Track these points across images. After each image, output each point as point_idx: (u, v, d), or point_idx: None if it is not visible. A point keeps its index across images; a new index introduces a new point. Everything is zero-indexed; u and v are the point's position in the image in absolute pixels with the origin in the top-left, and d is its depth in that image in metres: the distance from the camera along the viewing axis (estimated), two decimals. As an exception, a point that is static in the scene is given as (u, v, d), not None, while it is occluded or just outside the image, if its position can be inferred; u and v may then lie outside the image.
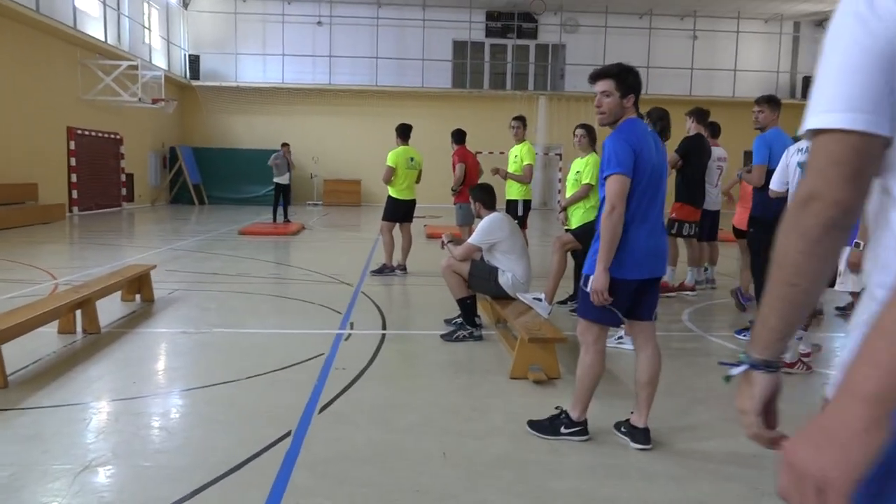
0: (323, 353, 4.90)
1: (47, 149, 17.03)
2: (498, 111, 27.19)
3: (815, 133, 1.07)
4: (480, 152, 25.37)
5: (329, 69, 27.04)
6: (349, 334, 5.52)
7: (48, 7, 16.12)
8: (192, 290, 7.38)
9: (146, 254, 10.56)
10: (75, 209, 18.09)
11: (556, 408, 3.50)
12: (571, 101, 27.72)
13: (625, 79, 3.26)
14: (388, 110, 27.18)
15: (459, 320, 5.60)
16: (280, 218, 16.33)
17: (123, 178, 21.09)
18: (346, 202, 26.55)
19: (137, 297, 6.66)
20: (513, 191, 8.25)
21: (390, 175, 8.90)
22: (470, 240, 5.37)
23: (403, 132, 9.07)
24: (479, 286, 5.43)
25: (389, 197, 9.06)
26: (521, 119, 8.49)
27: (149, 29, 23.44)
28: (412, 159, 8.92)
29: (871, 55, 1.01)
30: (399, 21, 27.20)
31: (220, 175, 25.63)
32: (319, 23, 27.02)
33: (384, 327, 5.83)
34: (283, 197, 16.29)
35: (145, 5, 23.14)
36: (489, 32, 27.99)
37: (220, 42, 26.72)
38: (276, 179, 16.15)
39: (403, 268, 8.94)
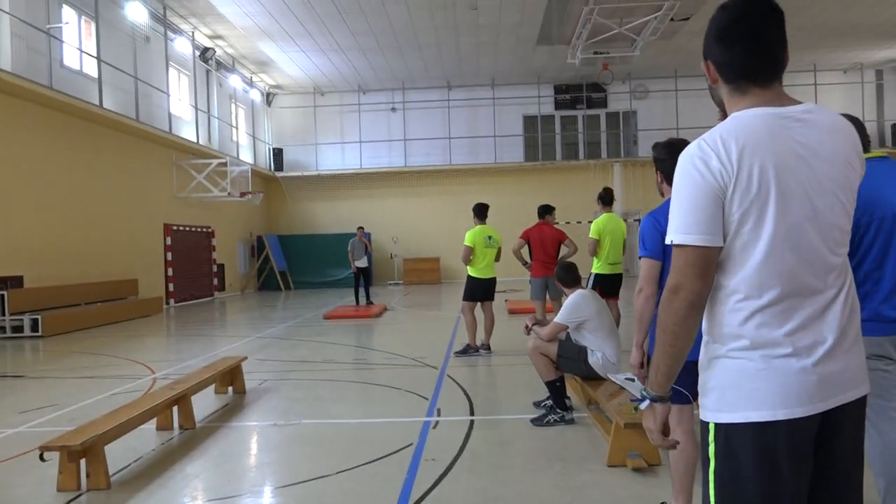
0: (412, 444, 4.82)
1: (146, 245, 18.11)
2: (573, 181, 27.27)
3: (678, 246, 1.66)
4: (557, 223, 25.40)
5: (404, 152, 27.93)
6: (437, 422, 5.43)
7: (146, 114, 17.48)
8: (280, 380, 7.50)
9: (237, 343, 10.88)
10: (171, 301, 19.00)
11: (662, 504, 3.30)
12: (647, 165, 27.39)
13: (659, 162, 3.41)
14: (463, 188, 27.71)
15: (549, 403, 5.43)
16: (362, 300, 16.63)
17: (215, 268, 22.10)
18: (426, 280, 26.84)
19: (230, 389, 6.82)
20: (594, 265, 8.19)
21: (468, 255, 8.93)
22: (556, 319, 5.26)
23: (480, 211, 9.14)
24: (568, 367, 5.27)
25: (469, 276, 9.07)
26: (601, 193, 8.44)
27: (236, 127, 25.00)
28: (490, 238, 8.94)
29: (709, 197, 1.64)
30: (469, 101, 28.01)
31: (305, 260, 26.49)
32: (393, 109, 28.13)
33: (472, 412, 5.71)
34: (362, 279, 16.61)
35: (233, 106, 24.76)
36: (558, 105, 28.38)
37: (301, 134, 28.15)
38: (352, 263, 16.51)
39: (487, 347, 8.84)
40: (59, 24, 14.70)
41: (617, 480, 4.02)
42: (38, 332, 12.35)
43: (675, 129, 27.18)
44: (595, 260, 8.27)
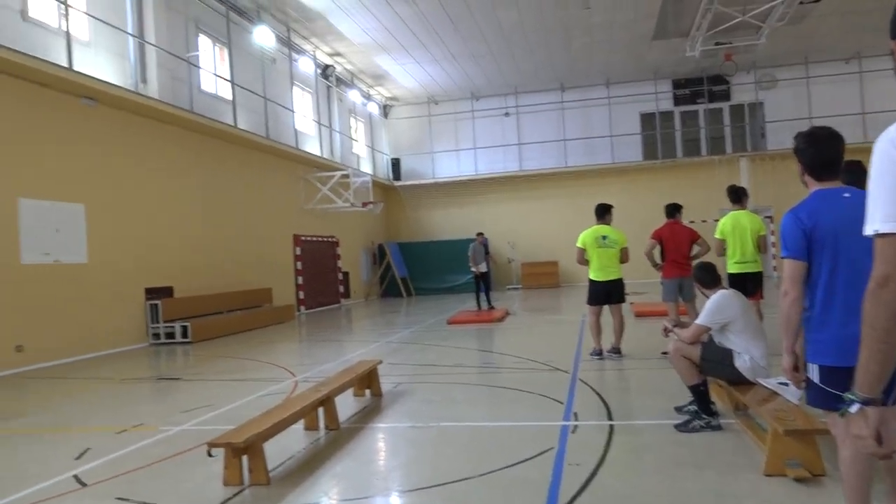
0: (552, 448, 4.79)
1: (278, 256, 19.14)
2: (695, 178, 26.20)
3: (884, 235, 1.58)
4: (692, 222, 24.45)
5: (519, 156, 27.90)
6: (575, 426, 5.37)
7: (275, 132, 18.49)
8: (414, 383, 7.68)
9: (368, 348, 11.26)
10: (302, 308, 19.94)
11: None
12: (777, 159, 25.92)
13: (799, 153, 3.07)
14: (580, 189, 27.26)
15: (692, 408, 5.23)
16: (484, 305, 16.72)
17: (340, 276, 22.98)
18: (544, 284, 26.63)
19: (367, 391, 7.05)
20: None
21: (581, 256, 8.80)
22: (698, 320, 5.06)
23: (599, 211, 8.97)
24: (712, 371, 5.06)
25: (588, 279, 8.91)
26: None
27: (356, 140, 25.93)
28: (604, 237, 8.71)
29: None
30: (583, 102, 27.58)
31: (424, 267, 27.03)
32: (507, 114, 28.17)
33: (610, 417, 5.60)
34: (483, 284, 16.72)
35: (352, 120, 25.71)
36: (677, 100, 27.38)
37: (417, 143, 28.78)
38: (473, 268, 16.62)
39: (618, 351, 8.65)
40: (196, 53, 15.84)
41: (777, 491, 3.80)
42: (187, 337, 13.33)
43: (808, 119, 25.49)
44: (726, 260, 7.90)
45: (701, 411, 5.02)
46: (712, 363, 5.01)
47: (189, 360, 11.39)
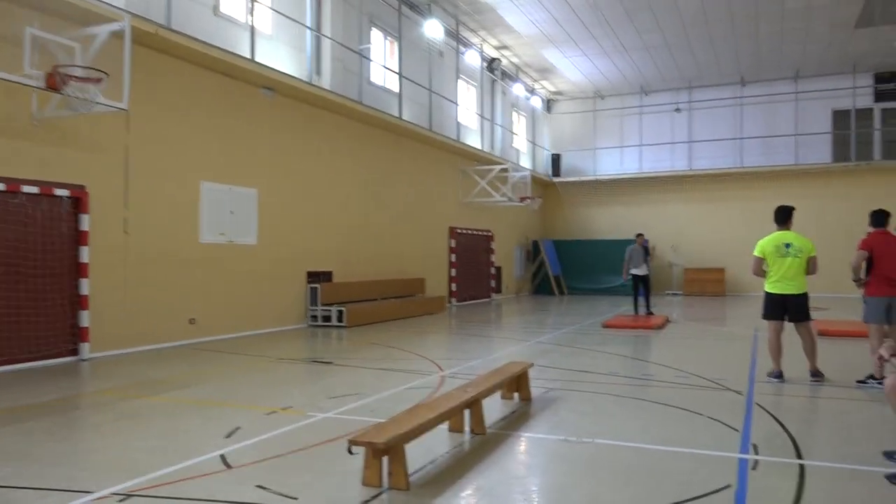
0: (729, 486, 4.11)
1: (433, 247, 19.27)
2: (895, 184, 23.19)
3: None
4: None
5: (689, 154, 26.21)
6: (755, 461, 4.62)
7: (438, 124, 18.57)
8: (565, 390, 7.18)
9: (517, 347, 10.87)
10: (453, 300, 19.96)
11: None
12: None
13: None
14: (757, 192, 25.12)
15: (909, 456, 4.33)
16: (641, 310, 15.75)
17: (493, 271, 22.78)
18: (708, 292, 24.83)
19: (516, 395, 6.66)
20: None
21: (758, 266, 7.77)
22: (926, 353, 4.15)
23: (780, 215, 7.89)
24: (941, 415, 4.13)
25: (765, 291, 7.87)
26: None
27: (517, 134, 25.59)
28: (788, 245, 7.63)
29: None
30: (766, 97, 25.33)
31: (579, 266, 26.19)
32: (678, 109, 26.54)
33: (798, 455, 4.78)
34: (642, 288, 15.74)
35: (514, 114, 25.38)
36: (879, 96, 24.36)
37: (580, 139, 27.89)
38: (632, 271, 15.68)
39: (817, 374, 7.59)
40: (368, 45, 16.21)
41: None
42: (342, 322, 13.67)
43: None
44: None
45: (923, 463, 4.11)
46: (943, 406, 4.08)
47: (342, 344, 11.61)
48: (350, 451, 4.17)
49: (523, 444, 5.17)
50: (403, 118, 16.64)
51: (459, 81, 20.67)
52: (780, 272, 7.58)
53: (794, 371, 7.81)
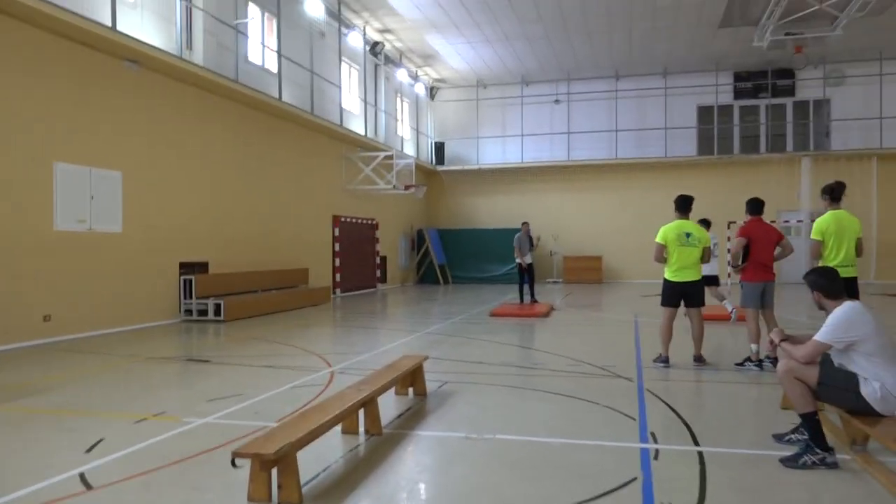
0: (635, 478, 4.03)
1: (316, 236, 18.59)
2: (752, 176, 24.98)
3: None
4: (734, 222, 23.26)
5: (567, 145, 26.91)
6: (656, 450, 4.59)
7: (319, 108, 17.87)
8: (460, 383, 6.97)
9: (407, 338, 10.59)
10: (338, 291, 19.39)
11: None
12: (841, 160, 24.56)
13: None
14: (630, 183, 26.26)
15: (798, 438, 4.44)
16: (527, 298, 15.93)
17: (378, 260, 22.38)
18: (586, 279, 25.71)
19: (410, 390, 6.37)
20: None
21: (660, 253, 7.92)
22: (819, 336, 4.23)
23: (681, 204, 8.07)
24: (830, 397, 4.24)
25: (664, 279, 8.05)
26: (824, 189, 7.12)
27: (400, 121, 25.23)
28: (688, 235, 7.85)
29: None
30: (638, 91, 26.45)
31: (463, 255, 26.31)
32: (557, 101, 27.18)
33: (696, 442, 4.80)
34: (527, 276, 15.89)
35: (398, 100, 25.01)
36: (738, 94, 26.09)
37: (463, 128, 27.95)
38: (518, 259, 15.80)
39: (701, 359, 7.84)
40: (245, 20, 15.26)
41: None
42: (220, 316, 12.83)
43: (879, 119, 24.05)
44: (820, 264, 7.01)
45: (813, 444, 4.20)
46: (832, 388, 4.18)
47: (220, 340, 10.86)
48: (234, 464, 3.71)
49: (423, 444, 4.89)
50: (284, 100, 15.85)
51: (342, 64, 20.01)
52: (681, 260, 7.75)
53: (677, 356, 8.02)
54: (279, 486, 3.69)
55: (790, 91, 25.57)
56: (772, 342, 4.57)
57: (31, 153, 9.96)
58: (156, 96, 12.44)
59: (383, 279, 23.04)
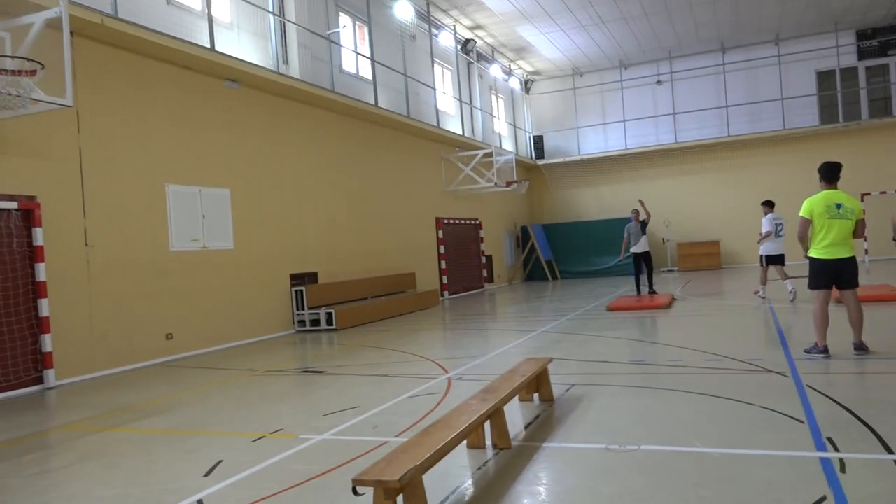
0: (825, 497, 3.35)
1: (421, 239, 18.43)
2: (885, 142, 22.76)
3: None
4: (868, 193, 21.17)
5: (674, 127, 25.54)
6: (840, 461, 3.86)
7: (415, 111, 17.69)
8: (589, 385, 6.40)
9: (522, 339, 10.08)
10: (445, 293, 19.15)
11: None
12: None
13: None
14: (745, 161, 24.61)
15: None
16: (644, 289, 15.04)
17: (483, 260, 21.99)
18: (704, 266, 24.25)
19: (535, 396, 5.87)
20: None
21: (805, 228, 6.99)
22: None
23: (827, 173, 7.08)
24: None
25: (810, 258, 7.11)
26: None
27: (497, 117, 24.77)
28: (839, 206, 6.87)
29: None
30: (748, 63, 24.72)
31: (570, 249, 25.51)
32: (659, 82, 25.87)
33: (888, 449, 4.03)
34: (644, 266, 14.97)
35: (493, 97, 24.56)
36: (862, 54, 23.83)
37: (561, 119, 27.15)
38: (632, 249, 14.92)
39: (861, 347, 6.89)
40: (338, 30, 15.29)
41: None
42: (331, 325, 12.82)
43: None
44: None
45: None
46: None
47: (334, 349, 10.77)
48: (356, 492, 3.35)
49: (558, 458, 4.37)
50: (380, 106, 15.76)
51: (435, 66, 19.78)
52: (832, 235, 6.82)
53: (833, 345, 7.07)
54: (406, 515, 3.30)
55: (922, 44, 23.12)
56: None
57: (144, 177, 10.24)
58: (256, 112, 12.59)
59: (490, 279, 22.62)
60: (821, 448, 4.11)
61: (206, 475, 4.46)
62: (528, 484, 3.93)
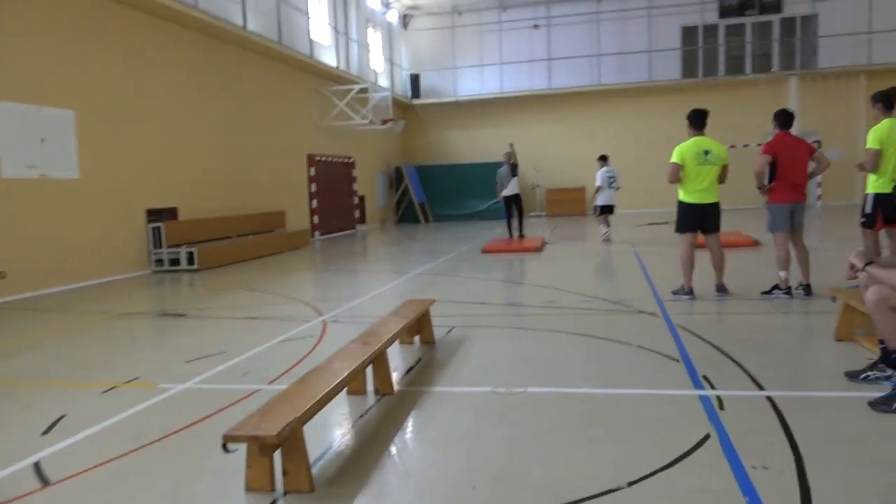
0: (708, 434, 3.38)
1: (291, 176, 17.57)
2: (738, 98, 24.23)
3: None
4: (734, 146, 22.58)
5: (548, 73, 25.81)
6: (718, 398, 3.95)
7: (288, 39, 16.57)
8: (469, 327, 6.28)
9: (398, 280, 9.85)
10: (316, 233, 18.51)
11: None
12: (829, 78, 23.87)
13: None
14: (614, 109, 25.37)
15: (880, 376, 3.83)
16: (515, 233, 15.19)
17: (356, 200, 21.44)
18: (570, 212, 25.06)
19: (416, 339, 5.67)
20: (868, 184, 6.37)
21: (675, 173, 7.17)
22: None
23: (695, 120, 7.31)
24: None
25: (679, 201, 7.34)
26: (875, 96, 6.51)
27: (372, 52, 23.87)
28: (707, 153, 7.11)
29: None
30: (621, 13, 25.28)
31: (443, 192, 25.44)
32: (536, 26, 25.91)
33: (759, 386, 4.17)
34: (515, 209, 15.00)
35: (370, 30, 23.58)
36: (723, 12, 25.01)
37: (438, 58, 26.63)
38: (504, 193, 14.93)
39: (723, 288, 7.23)
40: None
41: None
42: (193, 264, 11.96)
43: (868, 34, 23.27)
44: (873, 177, 6.37)
45: (908, 385, 3.59)
46: (934, 319, 3.55)
47: (196, 290, 10.04)
48: (226, 449, 2.98)
49: (444, 403, 4.19)
50: (249, 30, 14.57)
51: (308, -9, 18.56)
52: (701, 181, 7.03)
53: (695, 287, 7.38)
54: (284, 473, 2.98)
55: (776, 7, 24.57)
56: (852, 267, 3.89)
57: (-35, 91, 8.83)
58: (109, 25, 11.19)
59: (363, 220, 22.15)
60: (698, 386, 4.20)
61: (45, 433, 3.88)
62: (415, 431, 3.72)
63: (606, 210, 14.13)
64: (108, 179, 11.14)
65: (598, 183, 14.17)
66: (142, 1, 11.39)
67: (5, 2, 9.39)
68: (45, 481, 3.21)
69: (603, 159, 14.43)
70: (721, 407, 3.80)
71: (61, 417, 4.13)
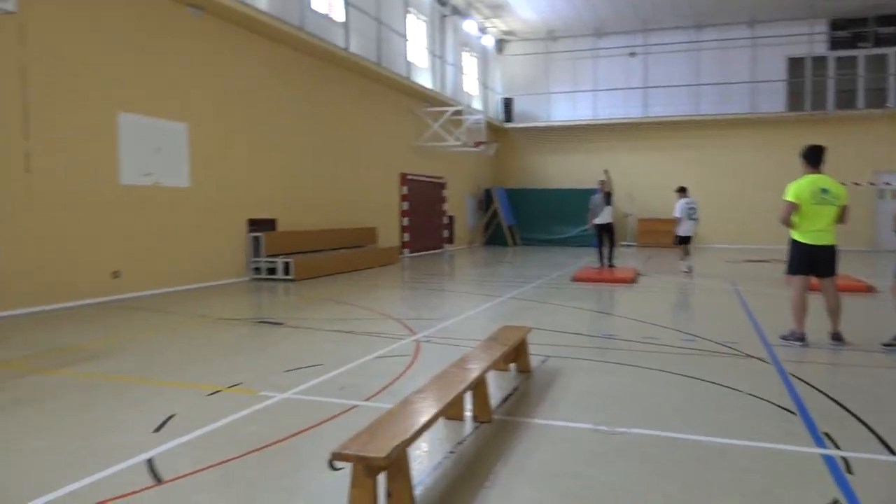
0: (836, 500, 3.13)
1: (384, 194, 17.90)
2: (848, 135, 23.00)
3: None
4: (844, 183, 21.45)
5: (644, 101, 25.33)
6: (843, 459, 3.66)
7: (386, 60, 16.96)
8: (565, 358, 6.13)
9: (490, 304, 9.78)
10: (406, 251, 18.73)
11: None
12: (951, 116, 22.38)
13: None
14: (712, 140, 24.63)
15: None
16: (606, 262, 14.84)
17: (446, 220, 21.59)
18: (663, 243, 24.32)
19: (512, 366, 5.57)
20: None
21: (788, 213, 6.78)
22: None
23: (811, 156, 6.91)
24: None
25: (793, 241, 6.94)
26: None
27: (467, 75, 24.11)
28: (825, 191, 6.70)
29: None
30: (722, 43, 24.57)
31: (532, 216, 25.29)
32: (632, 53, 25.52)
33: (890, 450, 3.84)
34: (607, 238, 14.66)
35: (465, 54, 23.87)
36: (834, 44, 23.90)
37: (532, 83, 26.63)
38: (596, 220, 14.60)
39: (838, 337, 6.78)
40: (312, -36, 14.39)
41: None
42: (289, 274, 12.31)
43: None
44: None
45: None
46: None
47: (291, 300, 10.30)
48: (332, 466, 2.98)
49: (544, 436, 4.06)
50: (350, 50, 15.01)
51: (408, 14, 18.99)
52: (816, 221, 6.64)
53: (808, 333, 6.96)
54: (388, 495, 2.95)
55: (893, 40, 23.28)
56: None
57: (96, 103, 9.45)
58: (220, 44, 11.79)
59: (451, 240, 22.28)
60: (819, 444, 3.91)
61: (157, 430, 4.02)
62: (515, 465, 3.61)
63: (685, 241, 14.22)
64: (215, 189, 11.65)
65: (677, 214, 14.24)
66: (252, 21, 11.92)
67: (122, 25, 10.02)
68: (157, 479, 3.31)
69: (682, 191, 14.47)
70: (849, 471, 3.51)
71: (171, 417, 4.28)
